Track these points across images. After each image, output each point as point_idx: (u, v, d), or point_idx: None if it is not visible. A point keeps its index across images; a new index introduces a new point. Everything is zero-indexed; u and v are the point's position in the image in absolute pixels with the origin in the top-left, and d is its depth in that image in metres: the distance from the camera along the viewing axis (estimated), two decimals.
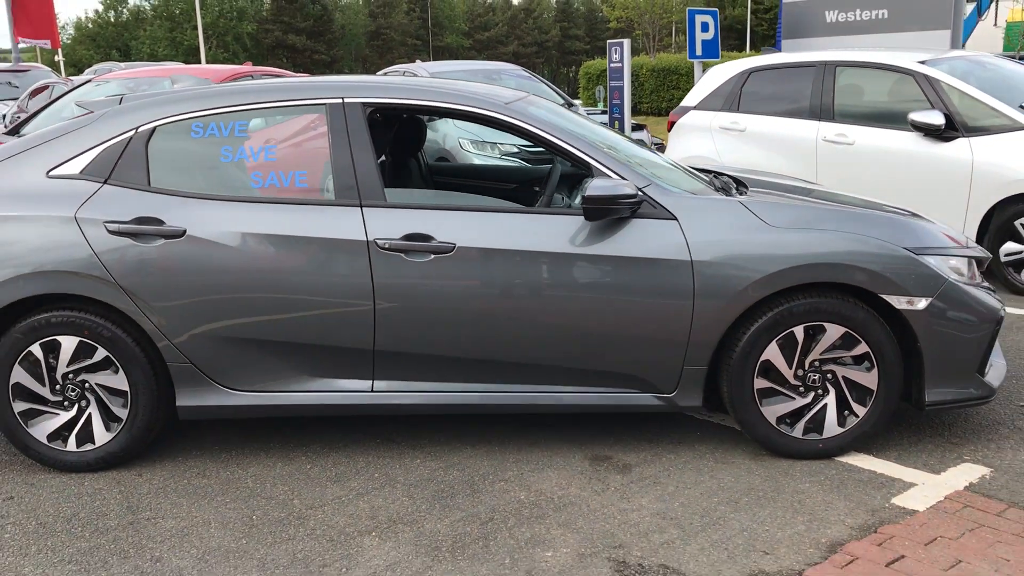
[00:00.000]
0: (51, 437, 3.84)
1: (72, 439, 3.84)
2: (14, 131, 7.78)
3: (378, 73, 12.47)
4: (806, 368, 3.78)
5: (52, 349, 3.76)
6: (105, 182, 3.78)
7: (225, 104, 3.87)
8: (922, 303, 3.68)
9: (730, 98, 7.93)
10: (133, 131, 3.83)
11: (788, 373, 3.77)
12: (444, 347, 3.78)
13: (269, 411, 3.87)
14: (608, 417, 4.24)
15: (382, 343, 3.76)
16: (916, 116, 6.55)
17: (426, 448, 4.04)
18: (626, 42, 10.42)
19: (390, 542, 3.27)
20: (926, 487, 3.59)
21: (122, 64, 21.36)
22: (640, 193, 3.69)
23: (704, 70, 9.01)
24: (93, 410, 3.84)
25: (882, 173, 6.86)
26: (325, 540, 3.30)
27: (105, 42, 70.40)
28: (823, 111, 7.29)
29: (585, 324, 3.73)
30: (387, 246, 3.68)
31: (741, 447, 3.97)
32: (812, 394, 3.80)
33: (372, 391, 3.84)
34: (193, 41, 59.54)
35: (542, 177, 4.90)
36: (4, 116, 11.94)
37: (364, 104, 3.86)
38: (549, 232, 3.73)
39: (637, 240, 3.70)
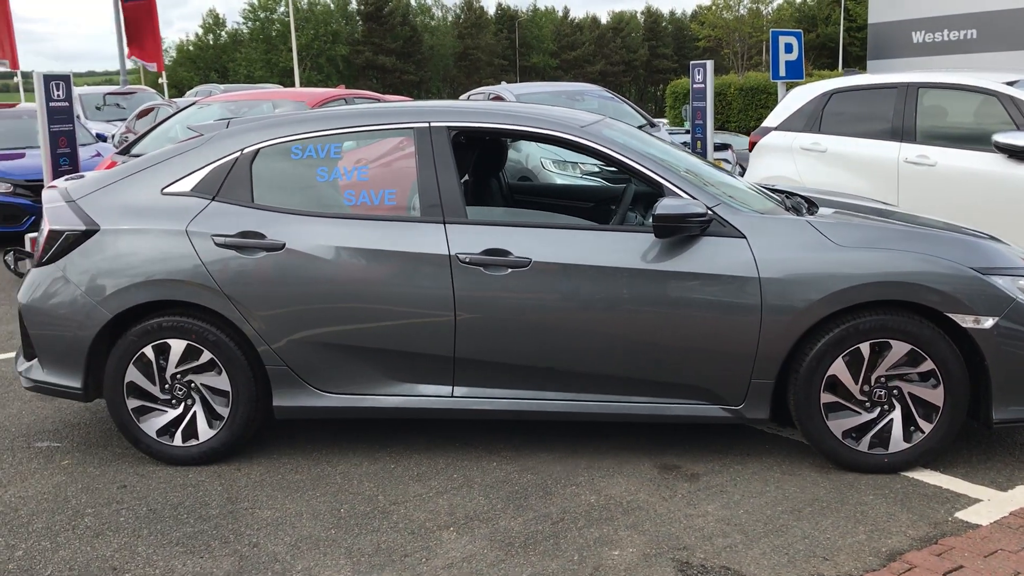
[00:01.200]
0: (160, 432, 4.18)
1: (178, 434, 4.18)
2: (125, 151, 8.31)
3: (464, 95, 12.84)
4: (872, 384, 3.88)
5: (163, 351, 4.11)
6: (213, 199, 4.13)
7: (322, 128, 4.19)
8: (989, 322, 3.76)
9: (812, 119, 8.00)
10: (239, 152, 4.17)
11: (854, 388, 3.88)
12: (520, 356, 4.00)
13: (357, 413, 4.15)
14: (677, 427, 4.40)
15: (462, 351, 4.00)
16: (1001, 137, 6.53)
17: (502, 452, 4.25)
18: (709, 63, 10.54)
19: (466, 536, 3.50)
20: (991, 503, 3.65)
21: (221, 86, 22.31)
22: (710, 212, 3.86)
23: (787, 91, 9.08)
24: (198, 408, 4.17)
25: (964, 195, 6.84)
26: (407, 532, 3.54)
27: (204, 64, 73.11)
28: (905, 132, 7.30)
29: (656, 338, 3.91)
30: (467, 260, 3.92)
31: (808, 460, 4.09)
32: (878, 409, 3.90)
33: (452, 396, 4.08)
34: (288, 63, 61.56)
35: (618, 196, 5.10)
36: (113, 136, 12.67)
37: (449, 128, 4.13)
38: (621, 249, 3.93)
39: (706, 257, 3.86)
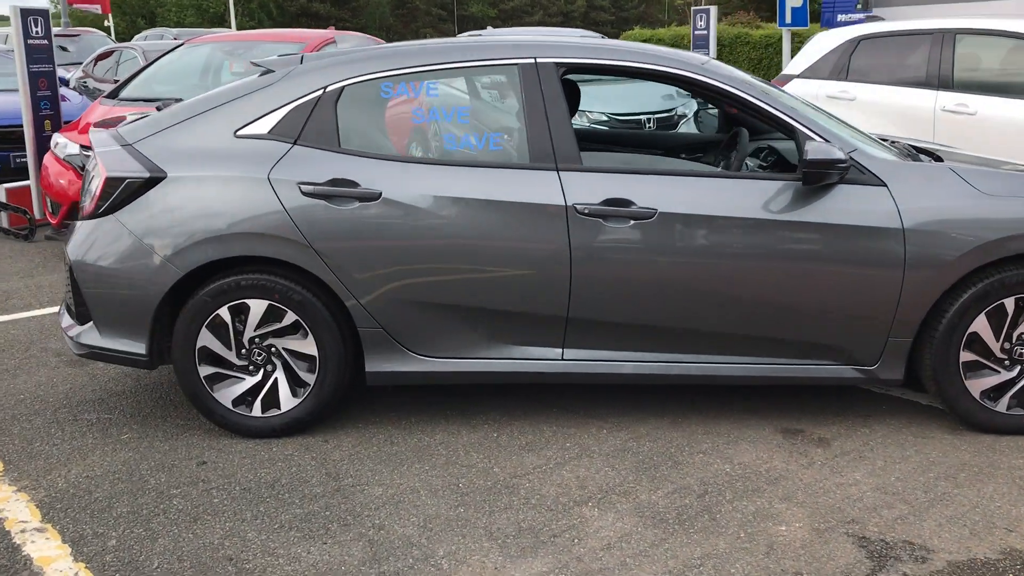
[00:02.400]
0: (236, 402, 3.78)
1: (257, 404, 3.78)
2: (113, 95, 7.69)
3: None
4: (1013, 341, 3.67)
5: (240, 313, 3.70)
6: (295, 143, 3.69)
7: (415, 64, 3.77)
8: None
9: (838, 66, 7.76)
10: (321, 91, 3.73)
11: (995, 346, 3.66)
12: (639, 316, 3.69)
13: (457, 377, 3.80)
14: (786, 389, 4.15)
15: (576, 310, 3.67)
16: None
17: (608, 418, 3.96)
18: (713, 9, 10.20)
19: (611, 513, 3.20)
20: None
21: (173, 30, 21.26)
22: (849, 158, 3.57)
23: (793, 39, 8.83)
24: (280, 375, 3.77)
25: (1006, 144, 6.70)
26: (544, 509, 3.23)
27: (131, 10, 70.21)
28: (941, 80, 7.12)
29: (788, 294, 3.63)
30: (586, 211, 3.58)
31: (935, 421, 3.88)
32: (1018, 367, 3.69)
33: (562, 359, 3.76)
34: (219, 8, 59.31)
35: (699, 143, 4.78)
36: (68, 80, 11.88)
37: (557, 64, 3.75)
38: (751, 197, 3.62)
39: (845, 207, 3.59)
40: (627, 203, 3.59)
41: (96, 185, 3.73)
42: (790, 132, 3.69)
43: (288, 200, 3.61)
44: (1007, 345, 3.67)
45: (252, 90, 3.80)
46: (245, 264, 3.69)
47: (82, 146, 6.87)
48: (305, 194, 3.61)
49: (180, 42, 8.61)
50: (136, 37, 22.54)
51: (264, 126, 3.72)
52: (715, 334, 3.71)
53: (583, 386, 4.16)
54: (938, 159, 3.95)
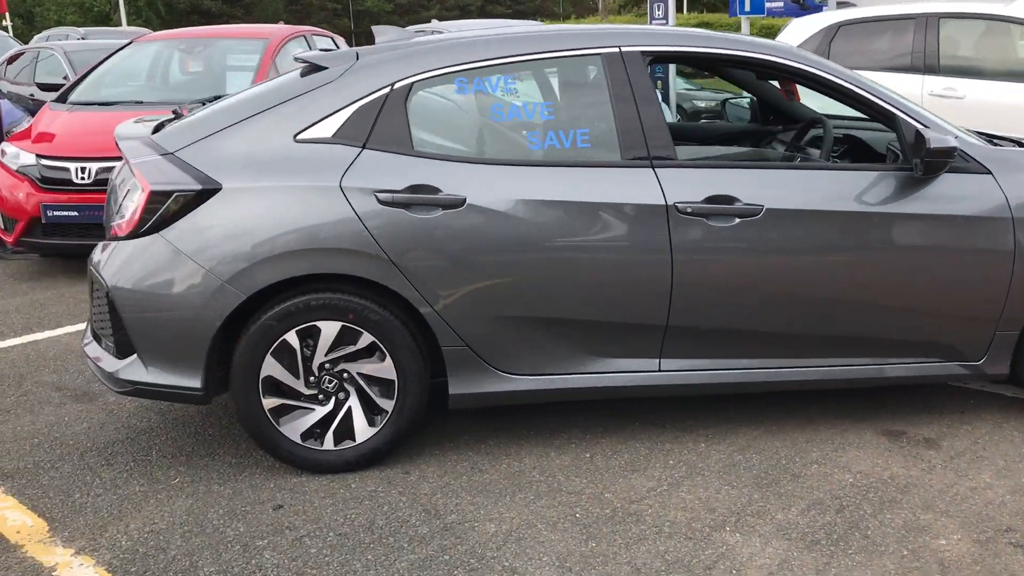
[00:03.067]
0: (305, 435, 3.40)
1: (329, 436, 3.41)
2: (62, 98, 7.08)
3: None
4: None
5: (309, 337, 3.32)
6: (364, 147, 3.33)
7: (491, 56, 3.44)
8: None
9: (818, 53, 7.72)
10: (389, 88, 3.38)
11: None
12: (741, 320, 3.46)
13: (548, 396, 3.50)
14: (868, 389, 3.98)
15: (676, 318, 3.42)
16: None
17: (700, 431, 3.72)
18: None
19: (755, 537, 2.96)
20: None
21: (80, 30, 20.08)
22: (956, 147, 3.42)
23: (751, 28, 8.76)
24: (353, 403, 3.41)
25: (995, 128, 6.74)
26: (682, 538, 2.97)
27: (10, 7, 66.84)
28: (928, 65, 7.13)
29: (899, 290, 3.46)
30: (689, 210, 3.33)
31: None
32: None
33: (659, 371, 3.50)
34: (103, 7, 56.96)
35: (755, 134, 4.57)
36: None
37: (643, 52, 3.48)
38: (857, 190, 3.43)
39: (954, 196, 3.44)
40: (731, 200, 3.35)
41: (136, 200, 3.29)
42: (891, 121, 3.51)
43: (363, 210, 3.25)
44: None
45: (307, 89, 3.42)
46: (312, 282, 3.31)
47: (38, 155, 6.29)
48: (383, 203, 3.26)
49: (127, 41, 7.99)
50: (36, 38, 21.23)
51: (327, 129, 3.35)
52: (822, 336, 3.52)
53: (660, 398, 3.91)
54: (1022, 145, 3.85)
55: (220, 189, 3.24)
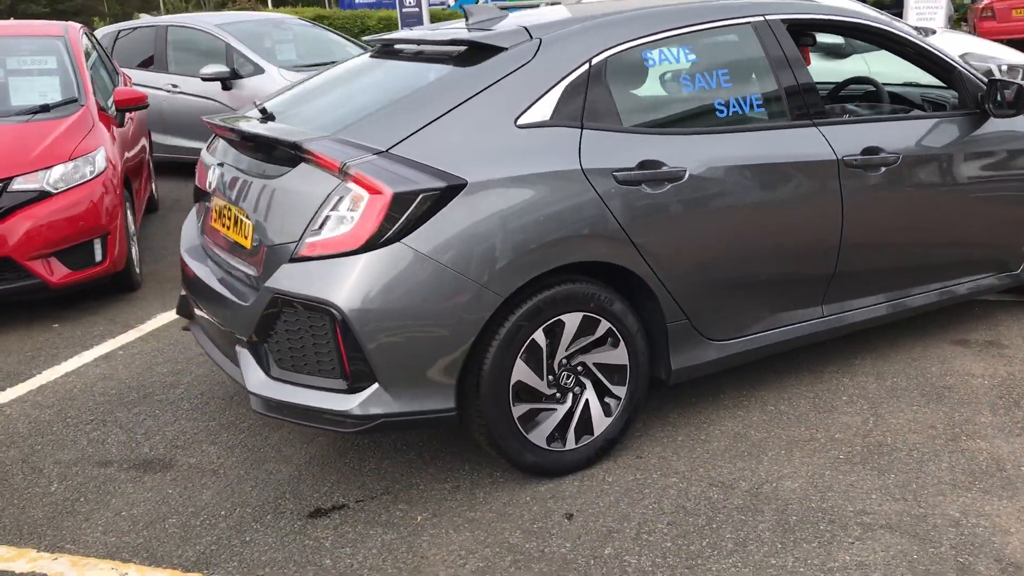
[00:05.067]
0: (550, 439, 3.21)
1: (570, 434, 3.25)
2: None
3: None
4: None
5: (553, 332, 3.14)
6: (582, 126, 3.19)
7: (668, 27, 3.45)
8: None
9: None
10: (587, 64, 3.26)
11: None
12: (887, 260, 3.86)
13: (743, 358, 3.62)
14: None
15: (842, 265, 3.71)
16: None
17: (853, 367, 4.06)
18: None
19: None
20: None
21: None
22: None
23: None
24: (590, 395, 3.28)
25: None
26: (925, 445, 3.29)
27: None
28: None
29: (975, 218, 4.06)
30: (855, 163, 3.63)
31: None
32: None
33: (822, 316, 3.77)
34: None
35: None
36: None
37: (783, 20, 3.70)
38: (953, 134, 3.95)
39: (1008, 134, 4.09)
40: (879, 150, 3.70)
41: (366, 207, 2.86)
42: (951, 73, 4.06)
43: (605, 191, 3.13)
44: None
45: (505, 72, 3.17)
46: (550, 275, 3.12)
47: None
48: (620, 182, 3.16)
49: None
50: None
51: (543, 111, 3.16)
52: (929, 265, 4.01)
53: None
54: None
55: (466, 185, 2.93)
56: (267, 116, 3.43)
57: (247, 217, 3.25)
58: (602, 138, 3.20)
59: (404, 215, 2.86)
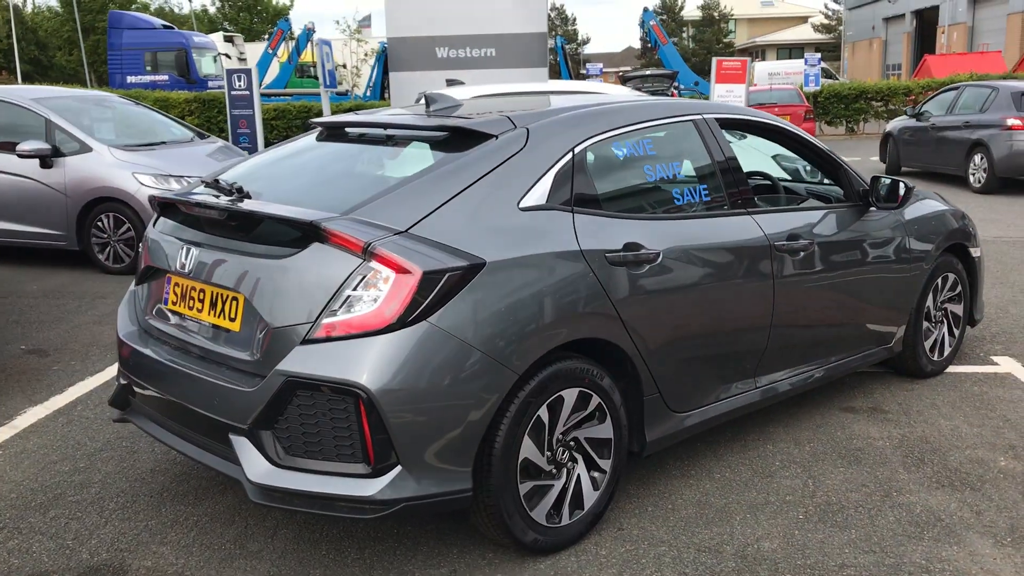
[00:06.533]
0: (549, 516, 3.26)
1: (565, 509, 3.31)
2: None
3: None
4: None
5: (553, 409, 3.22)
6: (573, 210, 3.35)
7: (632, 122, 3.71)
8: None
9: None
10: (571, 153, 3.44)
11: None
12: (803, 334, 4.24)
13: (697, 428, 3.83)
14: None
15: (772, 339, 4.05)
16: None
17: (778, 433, 4.37)
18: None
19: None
20: None
21: None
22: None
23: None
24: (580, 469, 3.37)
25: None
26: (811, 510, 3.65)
27: None
28: None
29: (882, 293, 4.62)
30: (782, 247, 4.01)
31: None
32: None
33: (756, 387, 4.08)
34: None
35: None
36: None
37: (717, 120, 4.06)
38: (851, 223, 4.46)
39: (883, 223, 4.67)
40: (798, 236, 4.11)
41: (399, 287, 2.84)
42: (836, 171, 4.60)
43: (600, 273, 3.29)
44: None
45: (502, 159, 3.27)
46: (550, 352, 3.21)
47: None
48: (612, 263, 3.33)
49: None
50: None
51: (540, 195, 3.29)
52: (838, 338, 4.46)
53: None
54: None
55: (485, 265, 2.99)
56: (242, 194, 3.31)
57: (236, 299, 3.11)
58: (591, 221, 3.37)
59: (431, 294, 2.87)
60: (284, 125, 20.10)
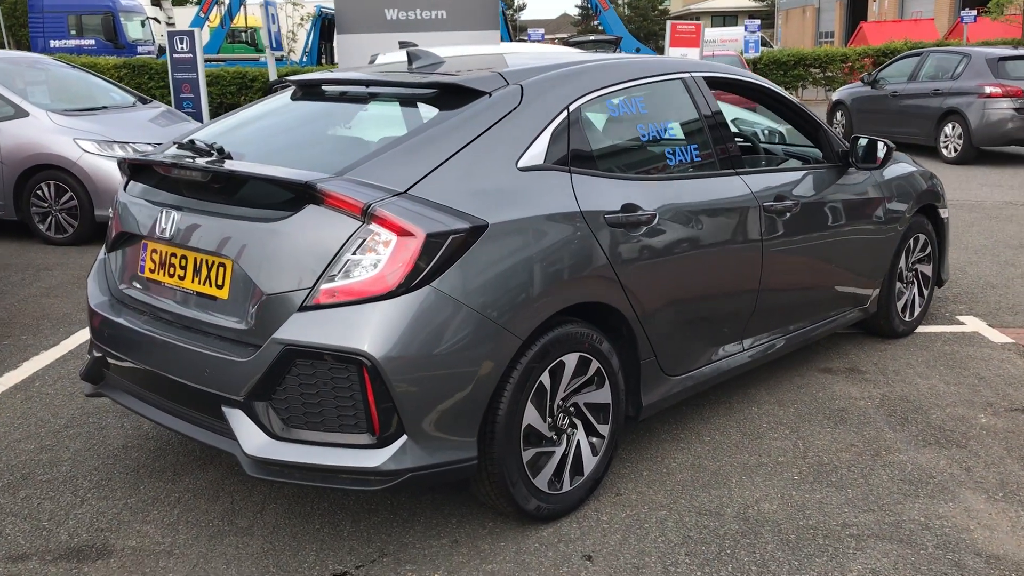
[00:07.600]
0: (550, 482, 3.19)
1: (566, 476, 3.25)
2: None
3: None
4: None
5: (555, 374, 3.15)
6: (571, 170, 3.25)
7: (624, 79, 3.61)
8: None
9: None
10: (566, 112, 3.33)
11: None
12: (789, 296, 4.22)
13: (689, 392, 3.79)
14: None
15: (760, 301, 4.02)
16: None
17: (766, 398, 4.35)
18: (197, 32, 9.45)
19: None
20: None
21: None
22: None
23: None
24: (580, 435, 3.30)
25: None
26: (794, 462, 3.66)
27: None
28: None
29: (861, 254, 4.62)
30: (770, 207, 3.97)
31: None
32: None
33: (743, 350, 4.06)
34: None
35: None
36: None
37: (705, 78, 3.99)
38: (842, 181, 4.48)
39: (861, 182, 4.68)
40: (784, 197, 4.08)
41: (402, 251, 2.72)
42: (817, 131, 4.58)
43: (600, 235, 3.21)
44: None
45: (496, 117, 3.14)
46: (551, 316, 3.13)
47: None
48: (610, 225, 3.25)
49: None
50: None
51: (537, 155, 3.18)
52: (820, 300, 4.46)
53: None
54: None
55: (487, 227, 2.88)
56: (223, 155, 3.14)
57: (223, 265, 2.96)
58: (588, 181, 3.28)
59: (435, 257, 2.75)
60: (218, 92, 19.49)
